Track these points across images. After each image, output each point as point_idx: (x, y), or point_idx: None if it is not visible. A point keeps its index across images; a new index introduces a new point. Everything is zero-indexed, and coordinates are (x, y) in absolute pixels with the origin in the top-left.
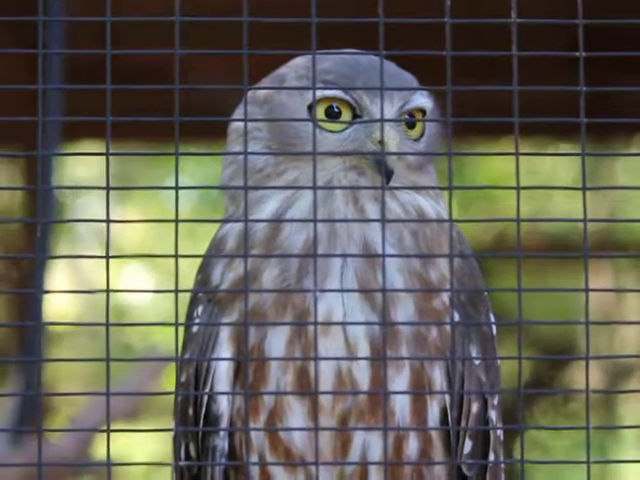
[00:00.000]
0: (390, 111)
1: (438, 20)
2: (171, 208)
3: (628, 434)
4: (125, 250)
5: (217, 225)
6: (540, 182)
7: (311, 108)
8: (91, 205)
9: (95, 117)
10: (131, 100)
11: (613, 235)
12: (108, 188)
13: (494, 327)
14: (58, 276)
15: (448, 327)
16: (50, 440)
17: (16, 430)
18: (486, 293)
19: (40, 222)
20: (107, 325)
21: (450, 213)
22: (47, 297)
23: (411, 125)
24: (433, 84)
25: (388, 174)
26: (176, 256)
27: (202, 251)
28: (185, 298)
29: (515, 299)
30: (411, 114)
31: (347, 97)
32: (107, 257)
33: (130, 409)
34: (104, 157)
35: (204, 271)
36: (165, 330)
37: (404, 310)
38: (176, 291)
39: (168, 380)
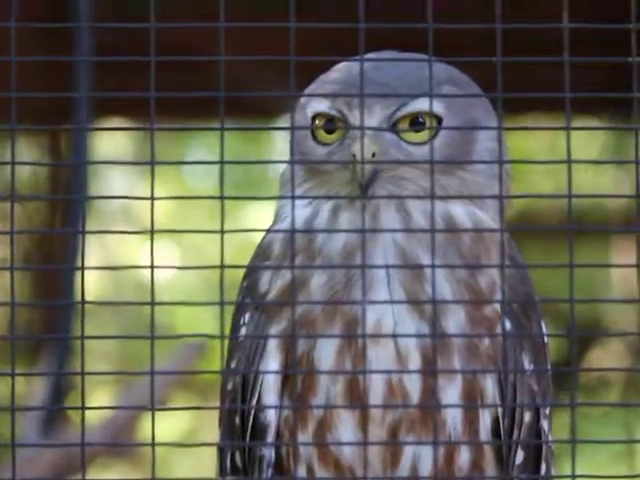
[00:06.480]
0: (370, 120)
1: None
2: (193, 186)
3: None
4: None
5: (239, 204)
6: (562, 158)
7: (313, 122)
8: (114, 182)
9: (139, 93)
10: (160, 78)
11: (636, 212)
12: (153, 163)
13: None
14: (87, 254)
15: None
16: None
17: (47, 416)
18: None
19: (80, 199)
20: (152, 304)
21: (501, 220)
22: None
23: (417, 129)
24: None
25: (364, 186)
26: (222, 232)
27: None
28: (207, 275)
29: (539, 275)
30: (416, 118)
31: (332, 111)
32: (152, 232)
33: (161, 397)
34: (127, 135)
35: (251, 277)
36: (191, 307)
37: (455, 319)
38: (222, 267)
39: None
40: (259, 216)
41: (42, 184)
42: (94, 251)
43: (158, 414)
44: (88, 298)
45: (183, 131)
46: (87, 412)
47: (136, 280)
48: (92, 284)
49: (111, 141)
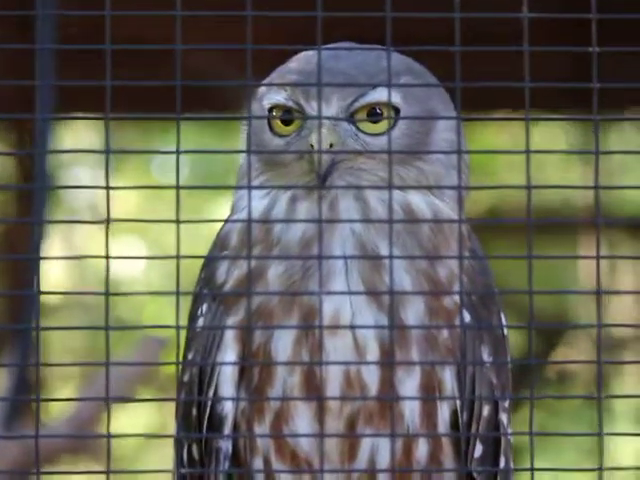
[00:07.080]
0: (327, 111)
1: None
2: (162, 180)
3: (619, 408)
4: (115, 222)
5: (207, 198)
6: (530, 156)
7: (270, 113)
8: (81, 178)
9: (95, 81)
10: (121, 75)
11: (605, 209)
12: (108, 152)
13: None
14: (51, 250)
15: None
16: (45, 423)
17: (10, 412)
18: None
19: (40, 188)
20: (107, 295)
21: (460, 210)
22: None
23: (374, 120)
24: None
25: (322, 176)
26: (177, 222)
27: (193, 225)
28: (173, 272)
29: (506, 272)
30: (373, 108)
31: (289, 102)
32: (107, 221)
33: (125, 393)
34: (93, 130)
35: (208, 267)
36: (158, 303)
37: (414, 310)
38: (177, 257)
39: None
40: (227, 212)
41: (8, 178)
42: (60, 250)
43: (122, 411)
44: (54, 297)
45: (139, 120)
46: (52, 409)
47: (102, 279)
48: (58, 283)
49: (76, 139)
